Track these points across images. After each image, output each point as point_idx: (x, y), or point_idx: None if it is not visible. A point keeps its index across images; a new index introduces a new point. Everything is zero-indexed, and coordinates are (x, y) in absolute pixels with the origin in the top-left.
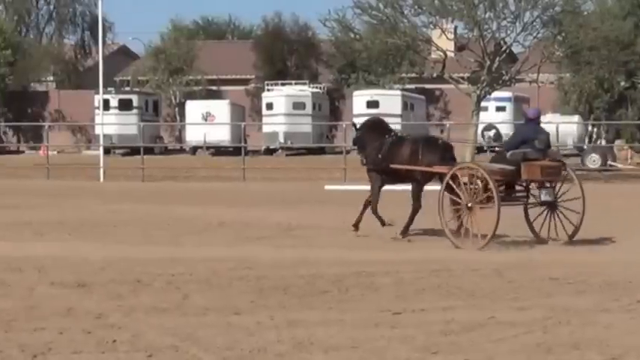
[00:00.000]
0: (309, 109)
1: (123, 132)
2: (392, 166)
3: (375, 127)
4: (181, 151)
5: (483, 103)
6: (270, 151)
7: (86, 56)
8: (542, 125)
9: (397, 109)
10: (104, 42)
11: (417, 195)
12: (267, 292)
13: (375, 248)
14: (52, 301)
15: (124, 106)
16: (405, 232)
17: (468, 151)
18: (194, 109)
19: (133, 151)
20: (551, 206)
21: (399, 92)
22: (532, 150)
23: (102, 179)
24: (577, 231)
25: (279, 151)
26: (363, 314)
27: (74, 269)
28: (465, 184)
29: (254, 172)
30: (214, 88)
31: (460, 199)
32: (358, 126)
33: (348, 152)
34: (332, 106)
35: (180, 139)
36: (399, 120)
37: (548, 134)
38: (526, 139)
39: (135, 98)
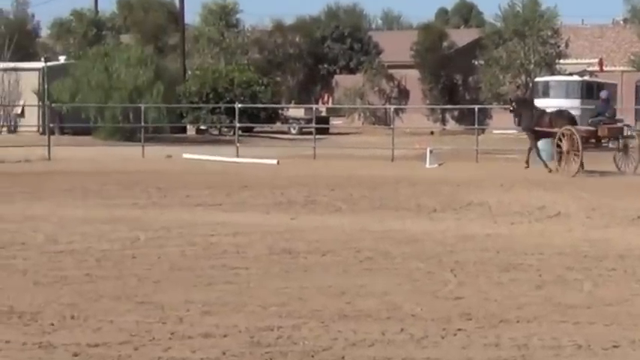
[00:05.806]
0: None
1: None
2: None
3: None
4: None
5: None
6: None
7: None
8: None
9: None
10: None
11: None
12: None
13: None
14: None
15: None
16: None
17: None
18: None
19: None
20: (625, 151)
21: None
22: (605, 119)
23: None
24: (637, 166)
25: None
26: None
27: None
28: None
29: None
30: None
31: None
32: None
33: None
34: None
35: None
36: None
37: (615, 110)
38: (601, 112)
39: None
